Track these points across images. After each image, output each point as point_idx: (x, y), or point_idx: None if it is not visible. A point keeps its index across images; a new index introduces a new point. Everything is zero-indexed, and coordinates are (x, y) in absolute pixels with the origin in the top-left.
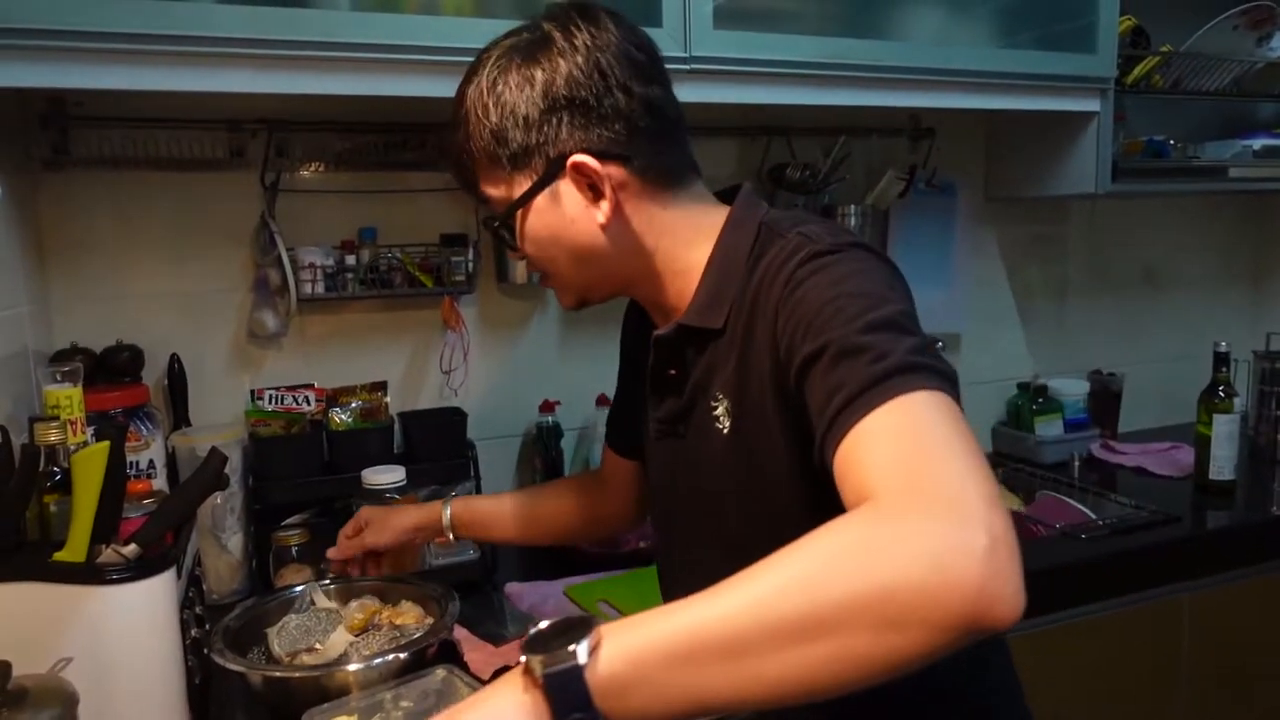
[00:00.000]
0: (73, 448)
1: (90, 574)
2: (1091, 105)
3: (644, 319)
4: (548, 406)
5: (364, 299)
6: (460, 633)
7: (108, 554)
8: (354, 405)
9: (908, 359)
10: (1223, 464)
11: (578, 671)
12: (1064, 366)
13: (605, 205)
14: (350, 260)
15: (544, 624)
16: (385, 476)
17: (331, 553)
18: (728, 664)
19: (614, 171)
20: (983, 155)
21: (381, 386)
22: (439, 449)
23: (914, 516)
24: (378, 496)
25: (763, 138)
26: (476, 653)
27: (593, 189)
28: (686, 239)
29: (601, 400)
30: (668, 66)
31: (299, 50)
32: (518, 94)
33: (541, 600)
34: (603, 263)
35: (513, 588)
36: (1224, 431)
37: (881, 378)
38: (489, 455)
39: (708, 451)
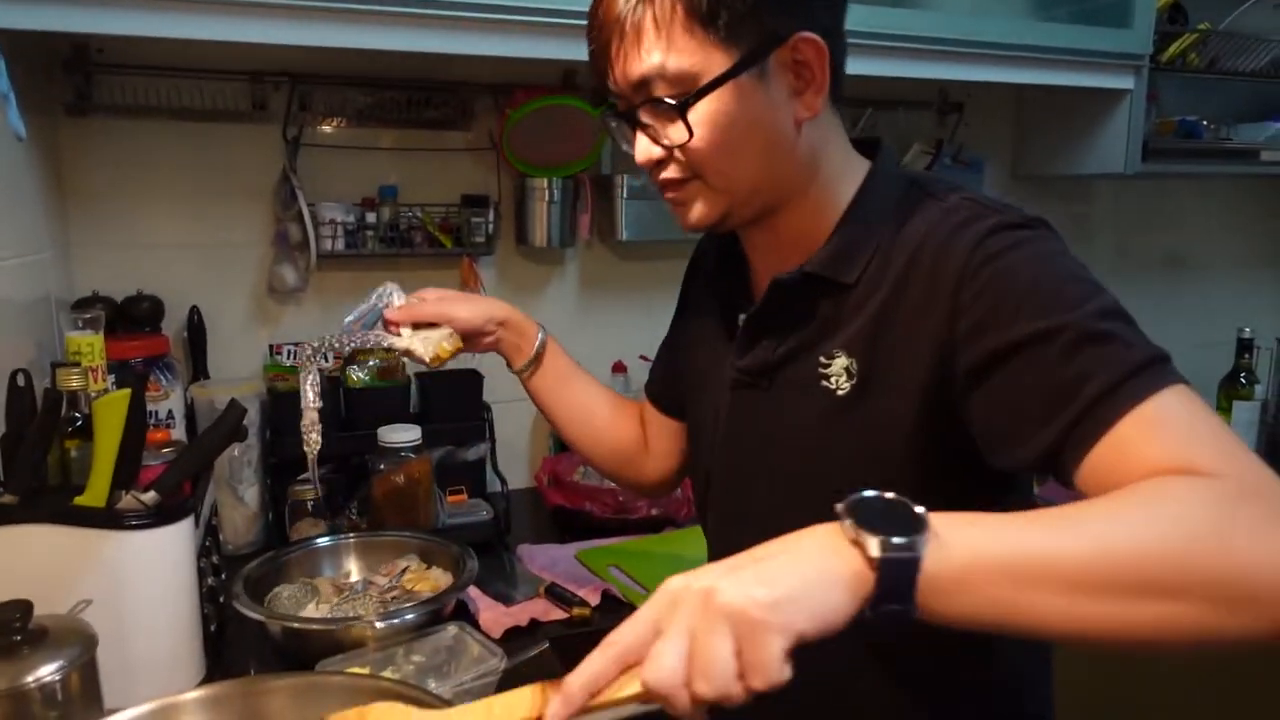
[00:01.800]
0: (94, 394)
1: (110, 519)
2: (1125, 83)
3: (726, 260)
4: None
5: (383, 257)
6: (473, 591)
7: (127, 500)
8: (371, 363)
9: (1157, 351)
10: None
11: (916, 563)
12: None
13: (816, 98)
14: (370, 218)
15: (868, 493)
16: (401, 435)
17: (390, 314)
18: (1062, 597)
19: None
20: (1011, 132)
21: None
22: (455, 410)
23: (1264, 506)
24: (391, 454)
25: None
26: (489, 612)
27: (800, 76)
28: (839, 171)
29: (617, 367)
30: None
31: (325, 1)
32: None
33: (552, 563)
34: (778, 170)
35: (524, 549)
36: (1243, 419)
37: (1145, 365)
38: (504, 418)
39: (807, 411)
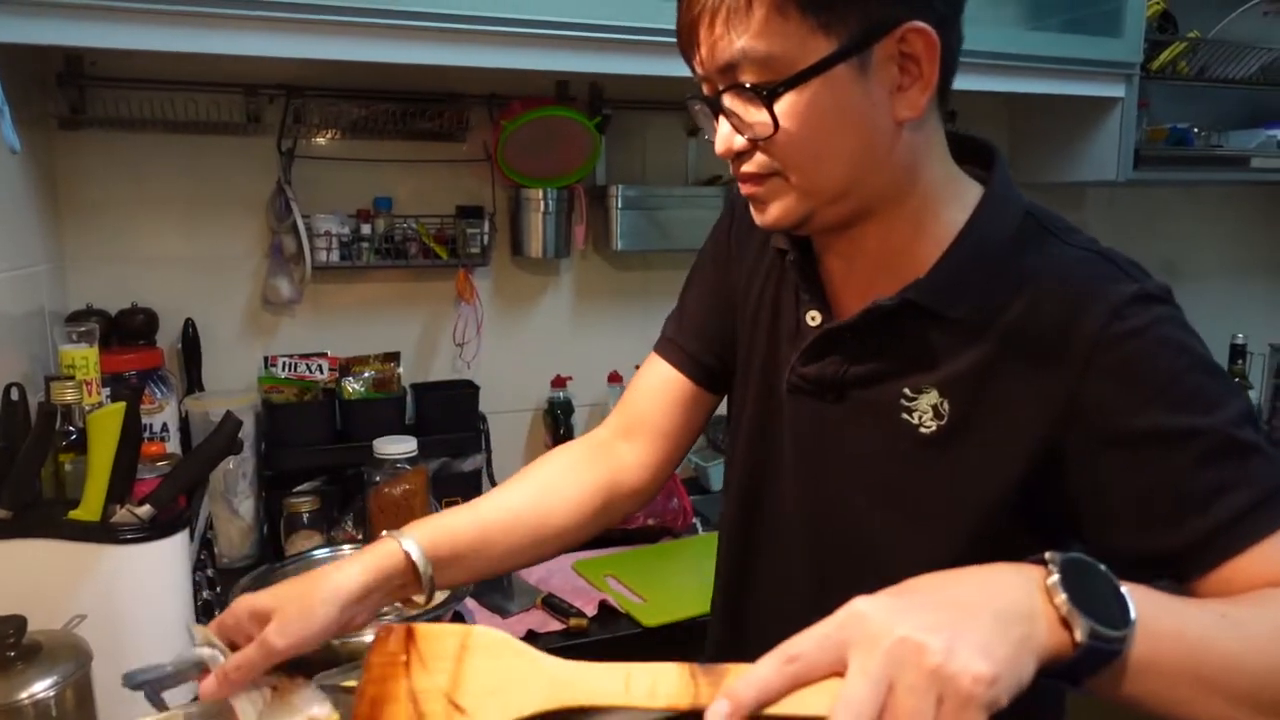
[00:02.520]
0: (88, 408)
1: (105, 533)
2: (1116, 91)
3: (794, 246)
4: (559, 382)
5: (378, 268)
6: (470, 604)
7: (122, 514)
8: (366, 375)
9: None
10: None
11: (1115, 655)
12: None
13: (921, 96)
14: (365, 229)
15: (1080, 558)
16: (396, 447)
17: (206, 687)
18: (1222, 704)
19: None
20: (1003, 139)
21: (394, 357)
22: (450, 421)
23: None
24: (387, 466)
25: None
26: (485, 624)
27: (905, 70)
28: (942, 184)
29: (613, 377)
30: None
31: (317, 15)
32: None
33: (548, 574)
34: (875, 171)
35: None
36: None
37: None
38: (500, 429)
39: (879, 437)
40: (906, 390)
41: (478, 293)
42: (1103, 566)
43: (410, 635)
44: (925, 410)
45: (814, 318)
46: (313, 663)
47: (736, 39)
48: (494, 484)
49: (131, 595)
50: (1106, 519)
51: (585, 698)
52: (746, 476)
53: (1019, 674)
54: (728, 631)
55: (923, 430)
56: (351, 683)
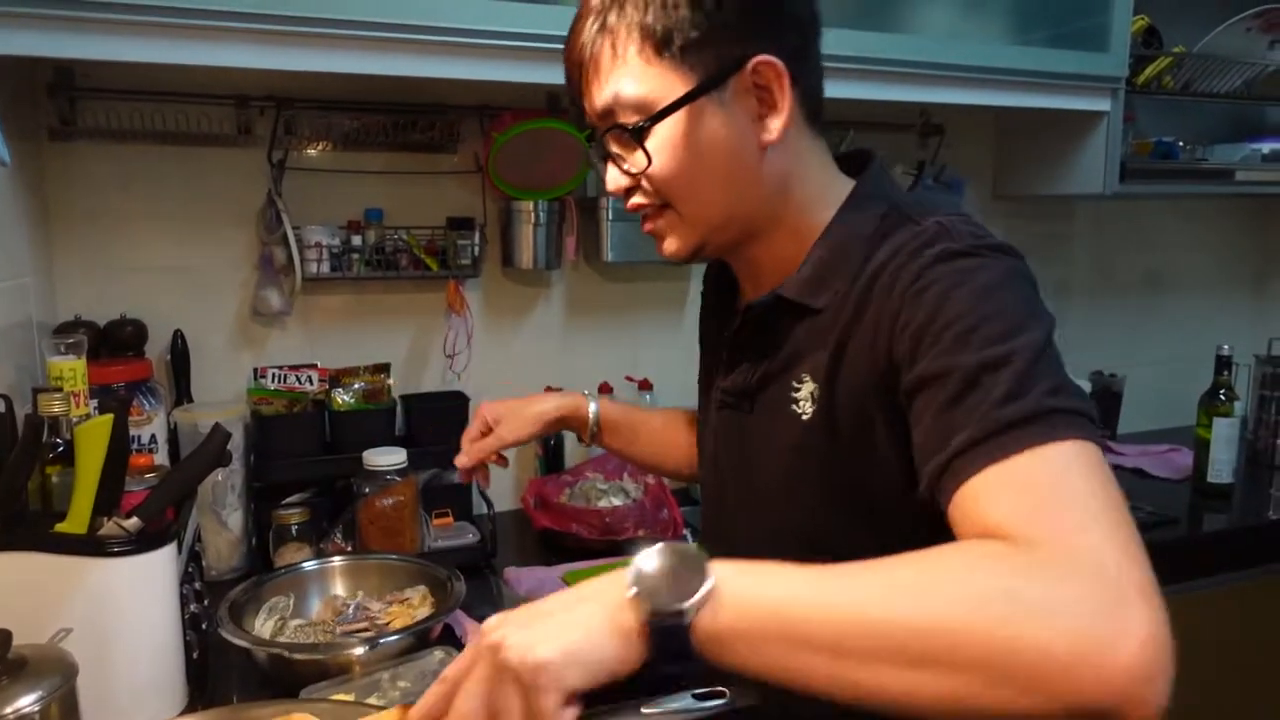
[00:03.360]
0: (75, 420)
1: (92, 546)
2: (1102, 105)
3: (724, 290)
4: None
5: (369, 280)
6: (460, 615)
7: (109, 526)
8: (356, 386)
9: (1044, 402)
10: (1221, 467)
11: (684, 630)
12: (1067, 366)
13: (778, 121)
14: (356, 240)
15: (660, 548)
16: (386, 458)
17: (462, 460)
18: (827, 660)
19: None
20: (991, 153)
21: (384, 368)
22: (440, 432)
23: (1064, 579)
24: (376, 477)
25: None
26: (476, 636)
27: (763, 101)
28: (816, 196)
29: (603, 388)
30: None
31: (309, 27)
32: None
33: (539, 585)
34: (747, 196)
35: (511, 572)
36: (1223, 435)
37: (1017, 421)
38: None
39: (778, 433)
40: (793, 384)
41: (468, 304)
42: (685, 547)
43: None
44: (806, 399)
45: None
46: (304, 675)
47: (609, 86)
48: (484, 497)
49: (118, 608)
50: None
51: None
52: (707, 490)
53: (586, 659)
54: None
55: (804, 418)
56: (339, 695)
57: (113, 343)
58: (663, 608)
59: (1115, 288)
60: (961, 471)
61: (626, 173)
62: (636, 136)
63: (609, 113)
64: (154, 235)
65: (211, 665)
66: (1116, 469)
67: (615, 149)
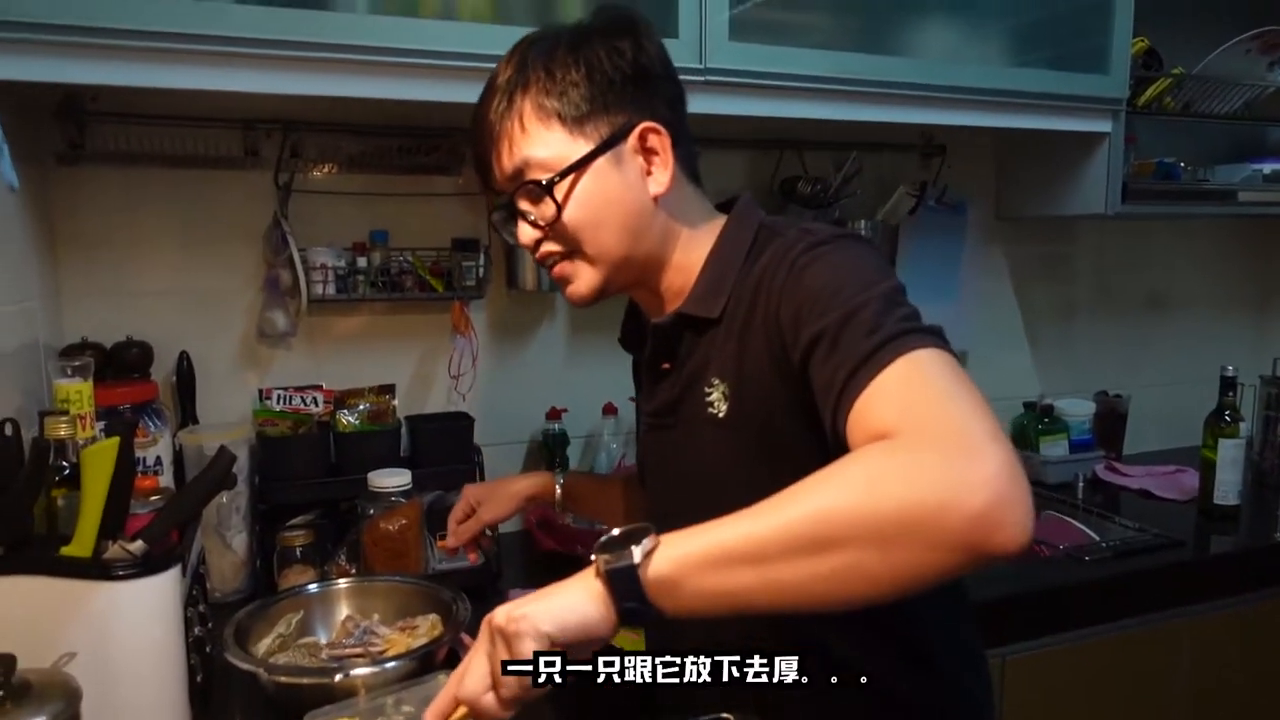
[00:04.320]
0: (82, 442)
1: (97, 569)
2: (1103, 126)
3: (639, 328)
4: (554, 414)
5: (374, 301)
6: (465, 639)
7: (114, 550)
8: (361, 407)
9: (900, 326)
10: (1227, 489)
11: (633, 570)
12: (1070, 387)
13: (664, 176)
14: (361, 262)
15: (615, 531)
16: (391, 480)
17: (450, 542)
18: (752, 570)
19: (670, 148)
20: (993, 174)
21: (389, 389)
22: (445, 453)
23: (923, 450)
24: (381, 499)
25: (775, 151)
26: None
27: (649, 159)
28: (696, 234)
29: (608, 409)
30: (682, 78)
31: (315, 52)
32: (605, 58)
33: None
34: (643, 238)
35: (516, 595)
36: (1229, 456)
37: (880, 345)
38: (495, 461)
39: (700, 438)
40: (705, 389)
41: (473, 325)
42: (637, 526)
43: None
44: (719, 399)
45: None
46: (308, 699)
47: (519, 152)
48: None
49: (122, 632)
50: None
51: None
52: (651, 513)
53: (555, 608)
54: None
55: (720, 416)
56: (344, 718)
57: (119, 365)
58: (616, 559)
59: (1118, 308)
60: (846, 403)
61: (535, 224)
62: (548, 190)
63: (518, 174)
64: (160, 257)
65: (215, 688)
66: (1122, 490)
67: (525, 206)
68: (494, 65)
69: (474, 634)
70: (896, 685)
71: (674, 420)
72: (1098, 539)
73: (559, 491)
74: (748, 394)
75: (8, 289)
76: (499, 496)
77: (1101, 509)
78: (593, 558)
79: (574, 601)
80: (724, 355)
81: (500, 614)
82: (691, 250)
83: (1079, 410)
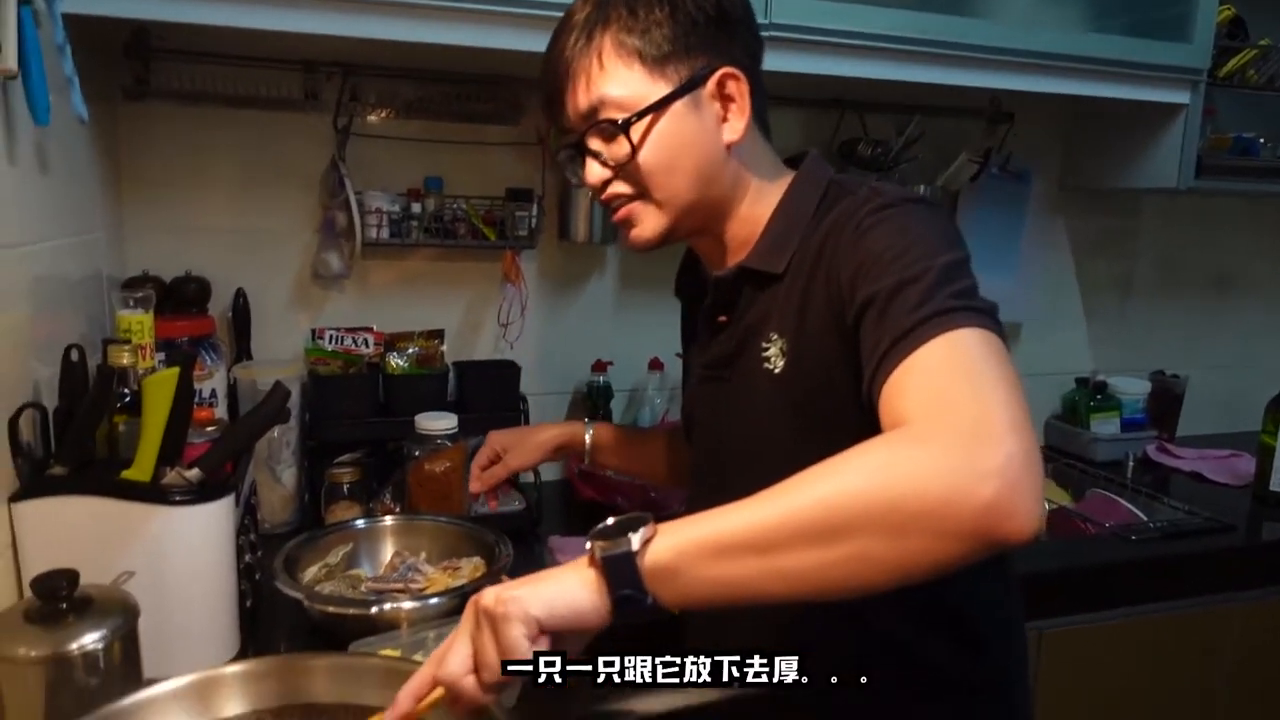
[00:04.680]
0: (142, 372)
1: (155, 494)
2: (1181, 97)
3: (696, 278)
4: (600, 366)
5: (426, 247)
6: (506, 581)
7: (172, 476)
8: (410, 351)
9: (949, 302)
10: None
11: (630, 557)
12: (1125, 365)
13: (740, 124)
14: (415, 208)
15: (610, 520)
16: (438, 423)
17: (474, 487)
18: (756, 559)
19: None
20: (1061, 143)
21: (438, 334)
22: (491, 400)
23: (937, 438)
24: (427, 441)
25: (835, 111)
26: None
27: (725, 105)
28: (764, 186)
29: (654, 364)
30: None
31: None
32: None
33: (566, 553)
34: (714, 185)
35: (555, 541)
36: None
37: (924, 320)
38: (539, 410)
39: (755, 394)
40: (763, 344)
41: (523, 275)
42: (636, 514)
43: None
44: (776, 354)
45: (699, 316)
46: (352, 630)
47: (596, 90)
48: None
49: (178, 555)
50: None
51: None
52: (697, 466)
53: (547, 594)
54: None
55: (776, 372)
56: (387, 650)
57: (177, 299)
58: (613, 546)
59: (1182, 287)
60: (883, 373)
61: (606, 164)
62: (624, 129)
63: (593, 112)
64: (220, 196)
65: (263, 614)
66: (1173, 472)
67: (596, 145)
68: (555, 13)
69: (515, 577)
70: (934, 657)
71: (729, 373)
72: (1145, 519)
73: (588, 442)
74: (805, 351)
75: (74, 220)
76: (526, 445)
77: (1150, 489)
78: (587, 546)
79: (566, 587)
80: (784, 311)
81: (489, 595)
82: (759, 202)
83: (1133, 389)
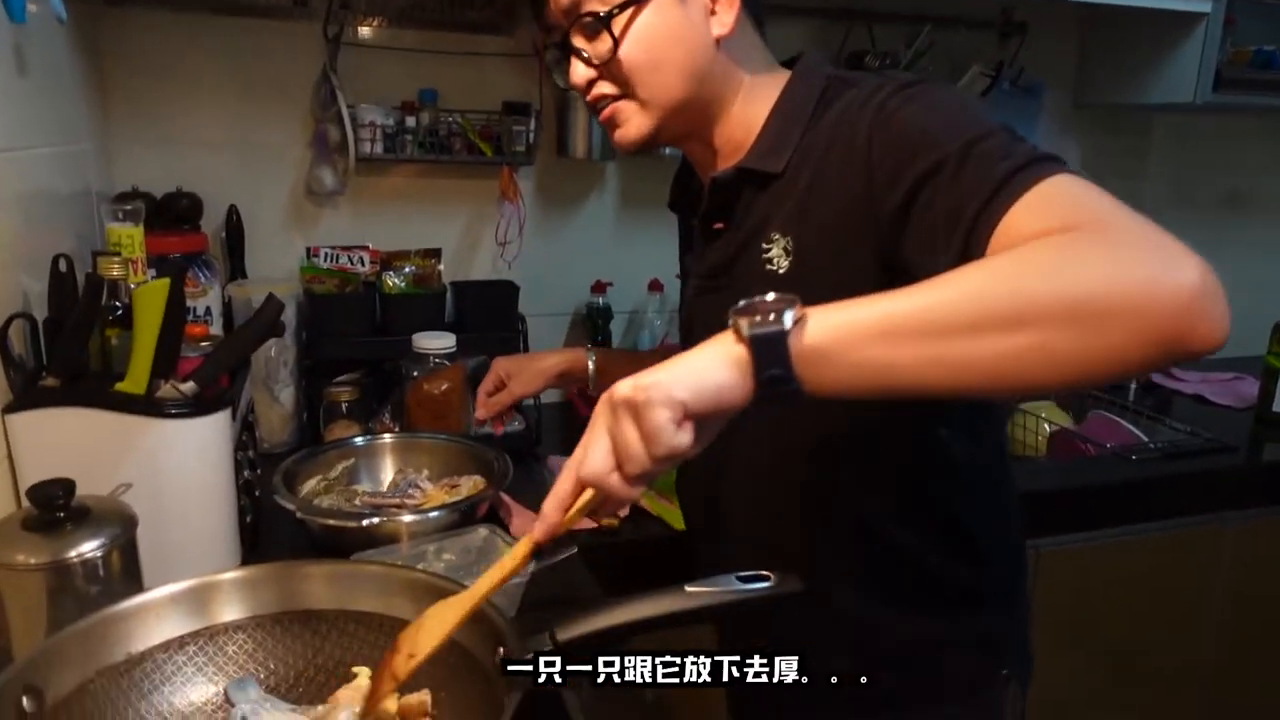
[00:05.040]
0: (133, 286)
1: (150, 406)
2: (1202, 5)
3: (689, 188)
4: (599, 287)
5: (422, 162)
6: (505, 497)
7: (166, 389)
8: (407, 270)
9: (1035, 153)
10: None
11: (782, 336)
12: None
13: (729, 16)
14: (410, 122)
15: (754, 298)
16: (436, 342)
17: (480, 414)
18: (925, 344)
19: None
20: (1075, 56)
21: (435, 253)
22: (489, 320)
23: (1124, 240)
24: (425, 361)
25: (842, 22)
26: (519, 518)
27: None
28: (761, 83)
29: (654, 285)
30: None
31: None
32: None
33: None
34: (704, 82)
35: (555, 460)
36: None
37: (1019, 168)
38: (538, 331)
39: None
40: (763, 246)
41: (521, 192)
42: (778, 294)
43: (394, 645)
44: (780, 254)
45: (694, 224)
46: (352, 543)
47: None
48: None
49: (174, 468)
50: (923, 269)
51: (480, 593)
52: None
53: (691, 376)
54: (703, 520)
55: (780, 272)
56: (387, 562)
57: (168, 215)
58: (763, 324)
59: (1194, 206)
60: (984, 228)
61: (589, 63)
62: (605, 23)
63: (575, 7)
64: (210, 109)
65: (263, 530)
66: (1175, 394)
67: (579, 42)
68: None
69: (515, 496)
70: (940, 569)
71: (727, 280)
72: (1146, 440)
73: (591, 368)
74: (812, 248)
75: (58, 129)
76: (530, 371)
77: (1152, 411)
78: (730, 320)
79: (710, 365)
80: (787, 210)
81: (625, 385)
82: (753, 102)
83: None
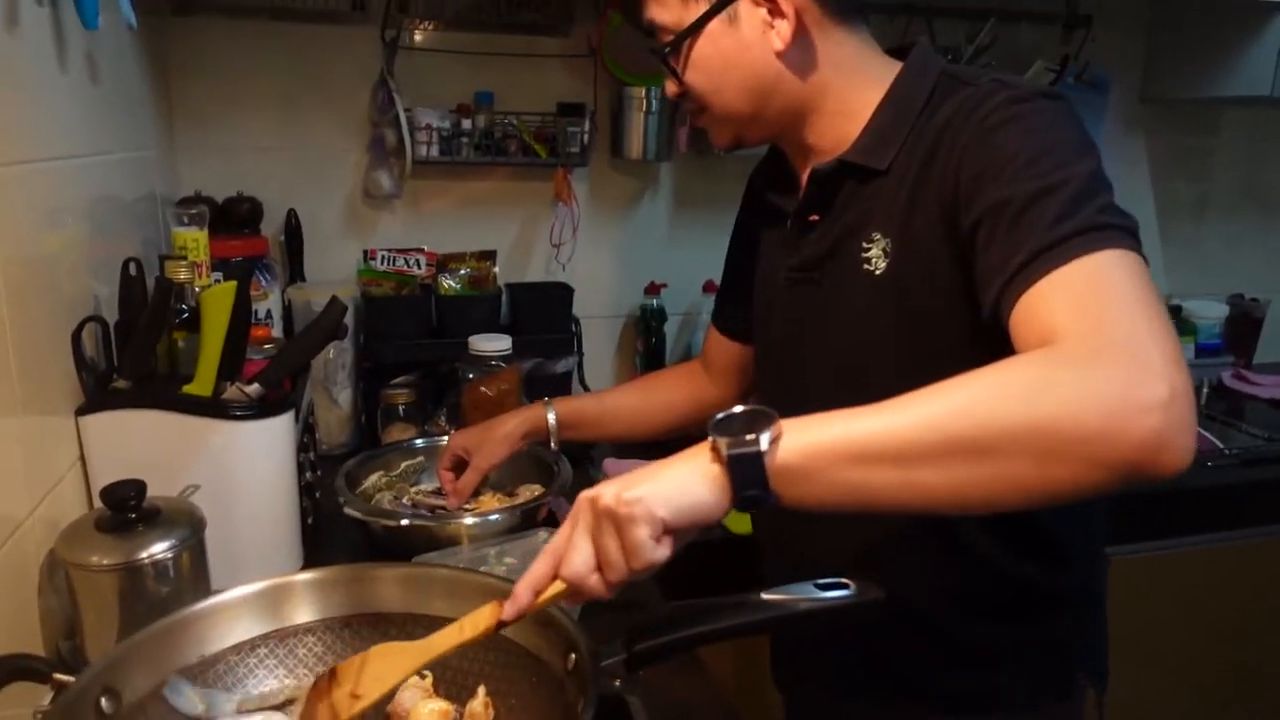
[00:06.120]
0: (199, 289)
1: (217, 408)
2: None
3: (777, 178)
4: (653, 289)
5: (478, 165)
6: (563, 502)
7: (232, 391)
8: (463, 272)
9: (1095, 219)
10: None
11: (759, 457)
12: (1202, 288)
13: (785, 27)
14: (466, 124)
15: (735, 409)
16: (492, 344)
17: (451, 502)
18: (894, 470)
19: None
20: (1142, 50)
21: (490, 255)
22: (544, 322)
23: (1097, 362)
24: (481, 363)
25: (901, 17)
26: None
27: (772, 11)
28: (857, 80)
29: (709, 287)
30: None
31: None
32: None
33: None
34: (772, 95)
35: (610, 464)
36: None
37: (1068, 236)
38: (592, 333)
39: (851, 296)
40: (863, 244)
41: (575, 194)
42: (754, 407)
43: (331, 673)
44: (878, 255)
45: (787, 213)
46: (413, 545)
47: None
48: (585, 388)
49: (240, 469)
50: (982, 297)
51: (436, 651)
52: (776, 377)
53: (671, 493)
54: (768, 532)
55: (877, 273)
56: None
57: (230, 219)
58: (739, 444)
59: (1266, 207)
60: (1020, 285)
61: (674, 80)
62: (664, 58)
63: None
64: (269, 114)
65: (323, 531)
66: (1250, 399)
67: (667, 60)
68: None
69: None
70: (1024, 572)
71: (820, 275)
72: (1221, 446)
73: (552, 422)
74: (911, 252)
75: (127, 136)
76: (491, 442)
77: (1226, 416)
78: (709, 437)
79: (688, 484)
80: (890, 209)
81: (609, 495)
82: (854, 97)
83: (1209, 312)
